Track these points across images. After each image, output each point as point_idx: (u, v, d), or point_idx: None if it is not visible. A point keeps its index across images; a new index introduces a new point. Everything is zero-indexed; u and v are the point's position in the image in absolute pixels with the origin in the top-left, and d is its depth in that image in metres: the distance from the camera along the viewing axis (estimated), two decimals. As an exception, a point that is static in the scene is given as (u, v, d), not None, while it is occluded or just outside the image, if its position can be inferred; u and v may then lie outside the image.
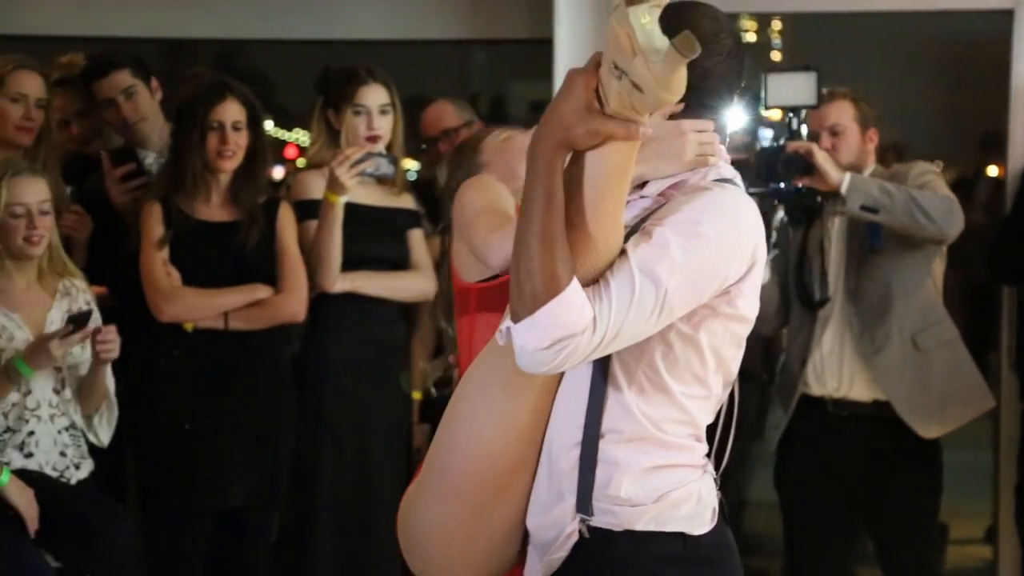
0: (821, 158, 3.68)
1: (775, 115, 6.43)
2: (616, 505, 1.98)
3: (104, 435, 3.69)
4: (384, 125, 3.98)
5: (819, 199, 3.81)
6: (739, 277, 1.98)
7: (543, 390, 2.01)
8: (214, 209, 3.86)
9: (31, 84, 3.92)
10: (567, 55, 4.72)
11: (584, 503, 1.99)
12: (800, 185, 3.76)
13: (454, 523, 2.07)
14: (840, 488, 3.89)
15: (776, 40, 6.25)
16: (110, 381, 3.64)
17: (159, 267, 3.77)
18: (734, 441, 4.99)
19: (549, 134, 1.86)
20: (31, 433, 3.55)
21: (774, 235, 3.95)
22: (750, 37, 6.16)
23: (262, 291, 3.84)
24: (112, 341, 3.51)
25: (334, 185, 3.79)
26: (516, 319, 1.86)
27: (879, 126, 3.95)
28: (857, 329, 3.80)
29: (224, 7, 5.32)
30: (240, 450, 3.78)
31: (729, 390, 2.11)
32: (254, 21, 5.37)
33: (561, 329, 1.82)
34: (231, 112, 3.80)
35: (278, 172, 5.69)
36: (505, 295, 1.93)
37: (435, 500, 2.09)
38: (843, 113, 3.86)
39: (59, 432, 3.60)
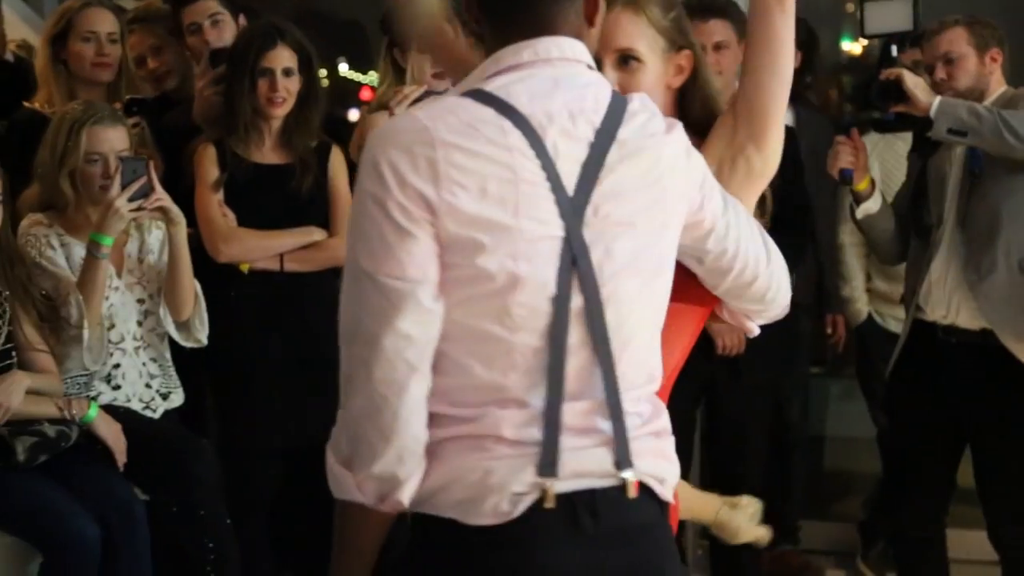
0: (911, 83, 3.63)
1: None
2: None
3: (202, 335, 3.72)
4: None
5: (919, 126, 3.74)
6: None
7: None
8: (267, 153, 3.86)
9: (101, 20, 3.96)
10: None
11: None
12: (896, 113, 3.71)
13: None
14: (946, 416, 3.84)
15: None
16: (194, 282, 3.66)
17: (215, 208, 3.78)
18: (793, 373, 4.91)
19: None
20: (117, 366, 3.63)
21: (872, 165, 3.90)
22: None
23: (317, 233, 3.84)
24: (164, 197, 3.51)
25: None
26: None
27: (1004, 45, 3.83)
28: (964, 255, 3.75)
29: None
30: (301, 390, 3.77)
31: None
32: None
33: None
34: (282, 58, 3.78)
35: (353, 114, 5.68)
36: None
37: None
38: (956, 41, 3.78)
39: (143, 364, 3.68)
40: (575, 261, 1.70)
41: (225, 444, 3.82)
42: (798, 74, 4.55)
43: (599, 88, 1.77)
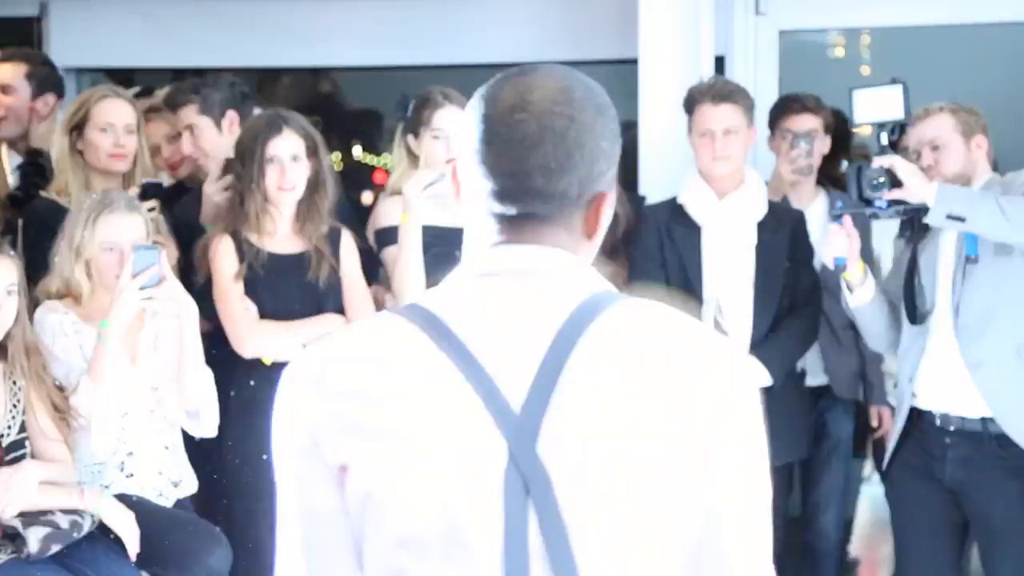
0: (905, 170, 3.63)
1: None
2: None
3: (212, 424, 3.69)
4: None
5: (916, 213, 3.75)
6: None
7: None
8: (280, 241, 3.87)
9: (118, 112, 4.01)
10: (652, 75, 4.72)
11: None
12: (889, 200, 3.71)
13: None
14: (947, 504, 3.80)
15: (865, 55, 6.17)
16: (207, 371, 3.66)
17: (238, 303, 3.78)
18: (830, 465, 4.80)
19: None
20: (130, 454, 3.63)
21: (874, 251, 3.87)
22: (839, 52, 6.09)
23: (336, 321, 3.82)
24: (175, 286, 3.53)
25: (406, 206, 3.82)
26: None
27: (987, 132, 3.84)
28: (960, 342, 3.72)
29: (312, 36, 5.41)
30: None
31: None
32: (341, 49, 5.44)
33: None
34: (288, 145, 3.79)
35: (367, 197, 5.74)
36: None
37: None
38: (941, 127, 3.79)
39: (156, 452, 3.68)
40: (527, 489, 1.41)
41: (238, 531, 3.80)
42: (829, 160, 4.59)
43: (567, 296, 1.50)
